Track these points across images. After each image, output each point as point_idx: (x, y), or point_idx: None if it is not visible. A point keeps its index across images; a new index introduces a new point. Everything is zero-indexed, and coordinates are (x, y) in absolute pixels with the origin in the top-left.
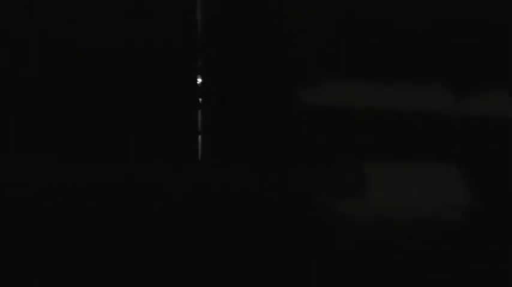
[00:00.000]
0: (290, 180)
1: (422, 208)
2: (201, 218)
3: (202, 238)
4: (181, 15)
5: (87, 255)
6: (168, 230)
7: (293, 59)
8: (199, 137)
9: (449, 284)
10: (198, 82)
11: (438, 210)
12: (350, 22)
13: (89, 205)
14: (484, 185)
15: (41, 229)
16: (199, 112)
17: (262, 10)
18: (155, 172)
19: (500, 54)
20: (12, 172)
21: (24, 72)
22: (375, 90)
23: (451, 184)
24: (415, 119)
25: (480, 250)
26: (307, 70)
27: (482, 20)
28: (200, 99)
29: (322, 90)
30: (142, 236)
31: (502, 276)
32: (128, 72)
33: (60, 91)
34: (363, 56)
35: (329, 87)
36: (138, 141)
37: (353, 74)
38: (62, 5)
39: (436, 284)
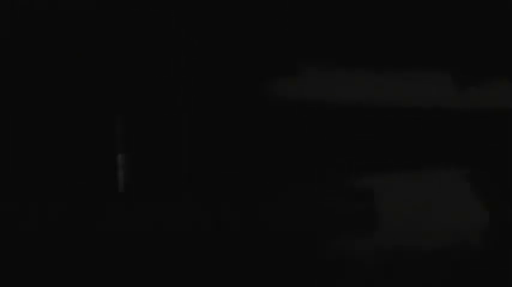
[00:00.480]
0: (270, 213)
1: (440, 235)
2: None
3: None
4: None
5: None
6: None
7: (260, 40)
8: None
9: None
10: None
11: (457, 235)
12: None
13: None
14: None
15: None
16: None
17: None
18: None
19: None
20: None
21: None
22: (364, 81)
23: (467, 199)
24: (413, 114)
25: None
26: (280, 56)
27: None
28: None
29: (300, 81)
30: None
31: None
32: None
33: None
34: (350, 38)
35: (309, 77)
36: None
37: (337, 60)
38: None
39: None
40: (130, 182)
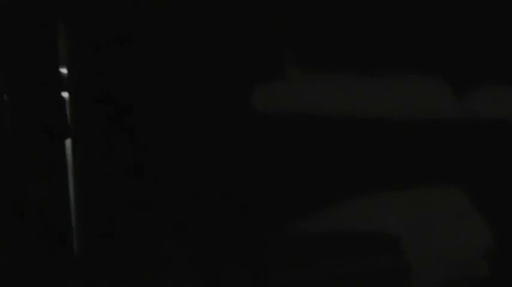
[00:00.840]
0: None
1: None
2: None
3: None
4: None
5: None
6: None
7: (235, 42)
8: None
9: None
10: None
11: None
12: None
13: None
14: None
15: None
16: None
17: None
18: None
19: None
20: None
21: None
22: (356, 89)
23: (471, 218)
24: (410, 125)
25: None
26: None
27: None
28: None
29: (281, 88)
30: None
31: None
32: None
33: None
34: (341, 42)
35: (291, 82)
36: None
37: (327, 66)
38: None
39: None
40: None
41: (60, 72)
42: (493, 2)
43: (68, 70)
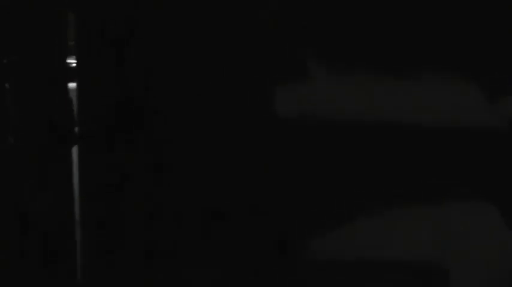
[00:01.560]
0: None
1: None
2: None
3: None
4: None
5: None
6: None
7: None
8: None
9: None
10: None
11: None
12: None
13: None
14: None
15: None
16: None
17: None
18: None
19: None
20: None
21: None
22: (382, 91)
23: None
24: (436, 131)
25: None
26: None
27: None
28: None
29: (303, 90)
30: None
31: None
32: None
33: None
34: (366, 40)
35: (321, 85)
36: None
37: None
38: None
39: None
40: None
41: (67, 63)
42: None
43: (77, 61)
